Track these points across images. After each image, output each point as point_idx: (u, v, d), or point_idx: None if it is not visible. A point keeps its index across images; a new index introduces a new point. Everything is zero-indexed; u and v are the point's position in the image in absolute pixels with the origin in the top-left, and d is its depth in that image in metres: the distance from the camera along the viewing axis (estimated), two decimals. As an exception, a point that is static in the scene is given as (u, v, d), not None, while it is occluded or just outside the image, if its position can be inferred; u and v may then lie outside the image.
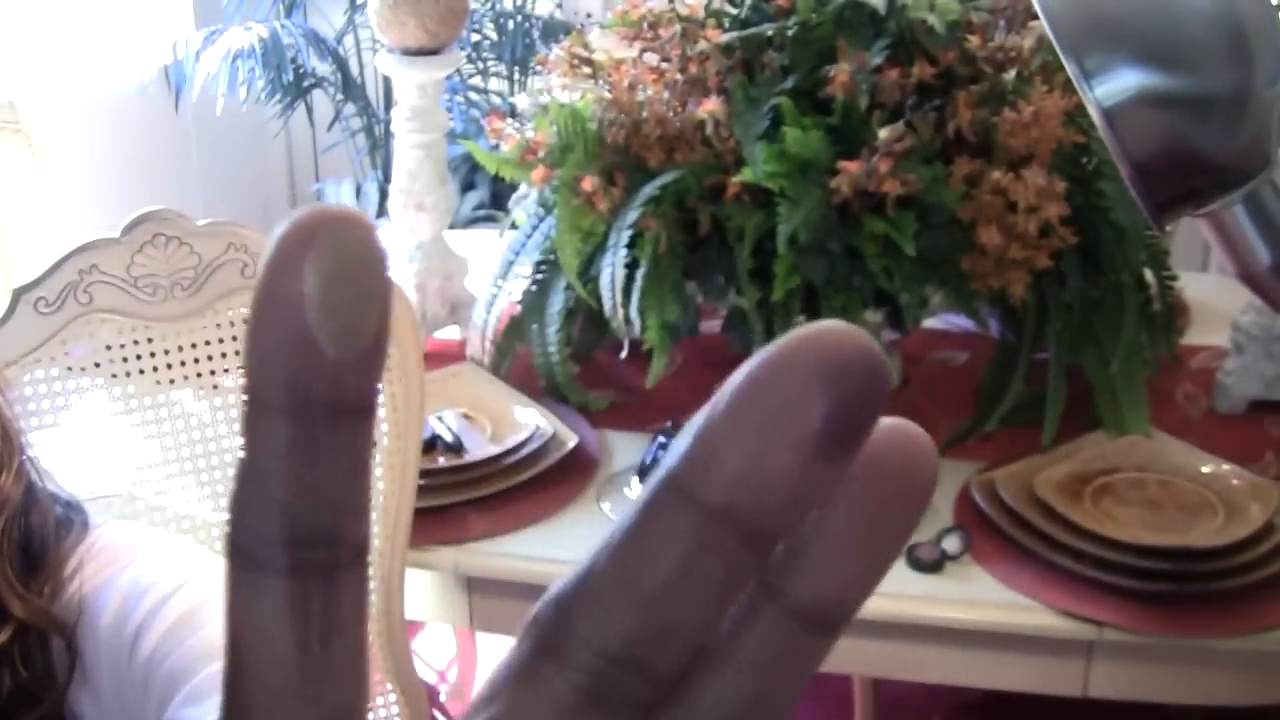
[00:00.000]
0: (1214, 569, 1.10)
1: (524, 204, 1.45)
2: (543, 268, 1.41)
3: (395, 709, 1.18)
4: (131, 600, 0.69)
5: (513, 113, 1.45)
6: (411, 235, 1.54)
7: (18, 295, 1.05)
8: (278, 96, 2.79)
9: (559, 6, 3.10)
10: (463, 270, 1.57)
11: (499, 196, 2.77)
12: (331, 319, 0.17)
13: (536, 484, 1.26)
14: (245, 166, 3.16)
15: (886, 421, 0.18)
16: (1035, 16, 1.19)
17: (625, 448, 1.34)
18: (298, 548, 0.18)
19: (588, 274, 1.33)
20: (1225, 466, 1.24)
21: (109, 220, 1.11)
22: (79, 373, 1.08)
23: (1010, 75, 1.31)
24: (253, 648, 0.18)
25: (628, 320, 1.28)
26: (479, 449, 1.29)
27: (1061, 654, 1.13)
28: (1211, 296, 1.63)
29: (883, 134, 1.20)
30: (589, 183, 1.28)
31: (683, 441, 0.17)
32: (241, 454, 0.18)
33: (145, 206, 1.11)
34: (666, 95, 1.31)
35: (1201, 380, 1.44)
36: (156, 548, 0.74)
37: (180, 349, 1.12)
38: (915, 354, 1.50)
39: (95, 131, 2.65)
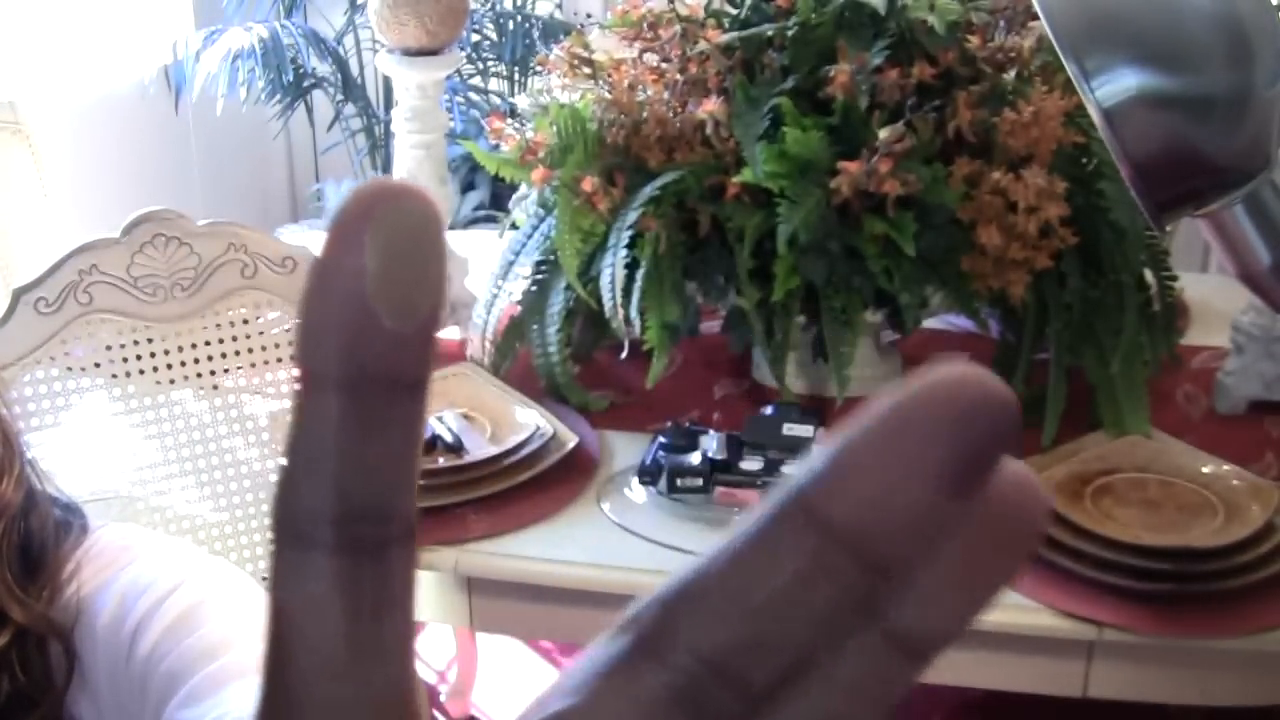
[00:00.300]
0: (1214, 569, 1.10)
1: (524, 204, 1.45)
2: (543, 268, 1.41)
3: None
4: (129, 600, 0.69)
5: (513, 113, 1.45)
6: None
7: (18, 295, 1.06)
8: (278, 97, 2.79)
9: (559, 7, 3.11)
10: (463, 270, 1.57)
11: (499, 197, 2.78)
12: (391, 290, 0.17)
13: (536, 484, 1.26)
14: (245, 167, 3.16)
15: (1009, 465, 0.18)
16: (1035, 16, 1.19)
17: (625, 448, 1.33)
18: (349, 523, 0.18)
19: (588, 274, 1.33)
20: (1225, 467, 1.24)
21: (109, 220, 1.11)
22: (79, 373, 1.08)
23: (1010, 75, 1.31)
24: (301, 628, 0.18)
25: (628, 320, 1.28)
26: (479, 449, 1.29)
27: (1061, 654, 1.13)
28: (1211, 296, 1.63)
29: (883, 134, 1.20)
30: (589, 183, 1.29)
31: (817, 460, 0.17)
32: (291, 430, 0.18)
33: (145, 207, 1.11)
34: (666, 95, 1.31)
35: (1201, 380, 1.44)
36: (154, 548, 0.73)
37: (180, 349, 1.12)
38: (915, 354, 1.50)
39: (95, 132, 2.65)
